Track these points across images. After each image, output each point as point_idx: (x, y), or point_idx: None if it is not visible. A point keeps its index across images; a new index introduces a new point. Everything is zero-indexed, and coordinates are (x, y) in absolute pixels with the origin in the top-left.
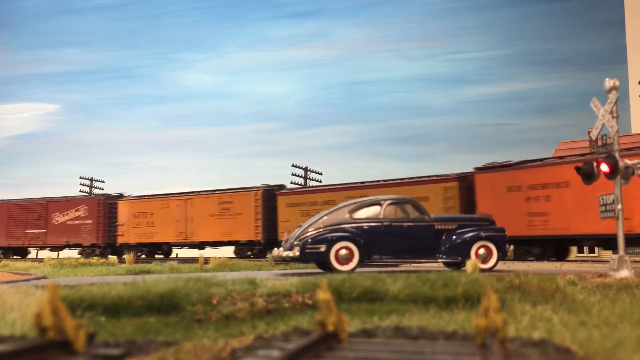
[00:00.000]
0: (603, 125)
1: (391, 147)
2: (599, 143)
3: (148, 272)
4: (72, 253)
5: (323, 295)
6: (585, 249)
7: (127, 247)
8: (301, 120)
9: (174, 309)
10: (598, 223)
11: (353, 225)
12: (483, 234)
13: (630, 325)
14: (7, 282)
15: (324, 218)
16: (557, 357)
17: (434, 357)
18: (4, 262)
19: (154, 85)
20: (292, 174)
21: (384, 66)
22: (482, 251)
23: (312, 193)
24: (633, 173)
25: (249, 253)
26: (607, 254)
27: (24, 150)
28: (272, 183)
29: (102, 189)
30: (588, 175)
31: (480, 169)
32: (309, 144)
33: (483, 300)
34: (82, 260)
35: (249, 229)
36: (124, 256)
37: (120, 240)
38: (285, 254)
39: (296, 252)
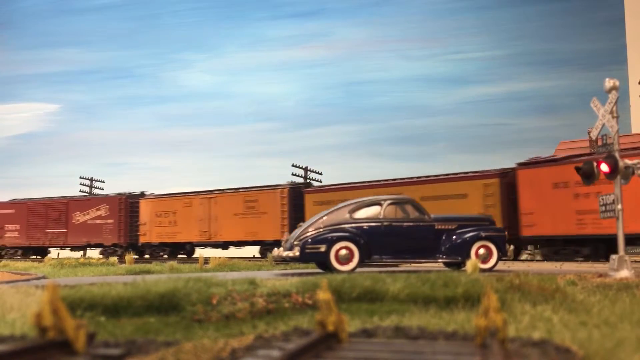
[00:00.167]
0: (603, 125)
1: (391, 147)
2: (599, 143)
3: (148, 272)
4: (94, 253)
5: (323, 295)
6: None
7: (149, 246)
8: (301, 120)
9: (174, 309)
10: None
11: (353, 225)
12: (483, 234)
13: (630, 325)
14: (7, 282)
15: (324, 218)
16: (557, 357)
17: (434, 357)
18: (4, 262)
19: (154, 85)
20: (292, 174)
21: (384, 66)
22: (482, 251)
23: (343, 190)
24: (633, 173)
25: None
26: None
27: (24, 150)
28: (298, 181)
29: (102, 189)
30: (588, 175)
31: (523, 165)
32: (309, 144)
33: (483, 300)
34: (82, 260)
35: (275, 228)
36: (146, 255)
37: (142, 239)
38: (285, 254)
39: (296, 252)
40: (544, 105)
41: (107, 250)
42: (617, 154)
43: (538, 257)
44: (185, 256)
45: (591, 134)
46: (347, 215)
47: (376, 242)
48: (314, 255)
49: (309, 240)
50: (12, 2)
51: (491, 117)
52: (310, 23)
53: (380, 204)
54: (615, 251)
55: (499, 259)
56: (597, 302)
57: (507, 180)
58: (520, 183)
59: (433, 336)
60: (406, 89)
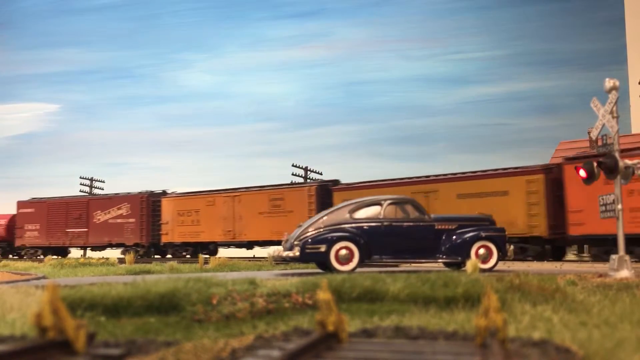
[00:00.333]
0: (603, 125)
1: (391, 147)
2: (599, 143)
3: (148, 272)
4: (115, 253)
5: (323, 295)
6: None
7: (172, 246)
8: (301, 120)
9: (174, 309)
10: None
11: (353, 225)
12: (483, 234)
13: (630, 325)
14: (7, 282)
15: (324, 218)
16: (557, 357)
17: (434, 357)
18: (4, 262)
19: (154, 85)
20: (292, 174)
21: (384, 66)
22: (482, 251)
23: (372, 188)
24: (633, 173)
25: None
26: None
27: (24, 150)
28: (326, 178)
29: (102, 189)
30: (589, 175)
31: (571, 159)
32: (309, 144)
33: (483, 300)
34: (82, 260)
35: None
36: (168, 255)
37: (164, 239)
38: (285, 254)
39: (296, 252)
40: (544, 105)
41: (129, 250)
42: (617, 154)
43: (586, 257)
44: (208, 256)
45: (591, 134)
46: (347, 215)
47: (376, 242)
48: (314, 255)
49: (309, 240)
50: (12, 2)
51: (491, 117)
52: (310, 23)
53: (380, 204)
54: None
55: (499, 259)
56: (597, 302)
57: (553, 176)
58: (567, 179)
59: (433, 336)
60: (406, 89)
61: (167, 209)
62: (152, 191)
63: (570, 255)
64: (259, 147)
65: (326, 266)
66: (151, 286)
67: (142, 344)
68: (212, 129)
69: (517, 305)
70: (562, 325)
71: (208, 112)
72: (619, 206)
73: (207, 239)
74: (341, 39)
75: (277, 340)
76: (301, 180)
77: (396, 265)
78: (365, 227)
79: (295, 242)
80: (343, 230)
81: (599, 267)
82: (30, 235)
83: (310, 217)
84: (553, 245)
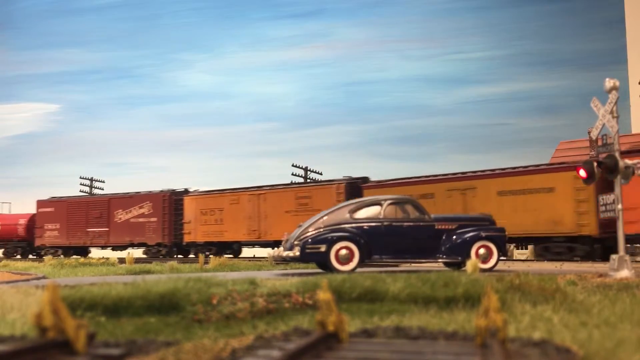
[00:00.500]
0: (603, 125)
1: (391, 147)
2: (599, 143)
3: (148, 272)
4: (137, 253)
5: (323, 295)
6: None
7: (194, 246)
8: (301, 120)
9: (174, 309)
10: None
11: (353, 225)
12: (483, 234)
13: (630, 325)
14: (7, 282)
15: (324, 218)
16: (557, 357)
17: (434, 357)
18: (4, 262)
19: (154, 85)
20: (292, 174)
21: (384, 66)
22: (482, 251)
23: (404, 185)
24: (633, 173)
25: None
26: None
27: (24, 150)
28: (355, 175)
29: (102, 189)
30: (589, 175)
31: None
32: (309, 144)
33: (483, 300)
34: (82, 260)
35: None
36: (191, 255)
37: (187, 238)
38: (285, 254)
39: (296, 252)
40: (544, 105)
41: (151, 250)
42: (617, 154)
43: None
44: (232, 256)
45: (591, 134)
46: (348, 215)
47: (376, 242)
48: (314, 255)
49: (309, 240)
50: (12, 2)
51: (491, 117)
52: (310, 23)
53: (380, 204)
54: None
55: (499, 259)
56: (597, 302)
57: None
58: None
59: (433, 336)
60: (406, 89)
61: (189, 207)
62: (174, 189)
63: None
64: (259, 147)
65: (326, 266)
66: (151, 286)
67: (142, 344)
68: (212, 129)
69: (517, 305)
70: (562, 325)
71: (208, 112)
72: (619, 206)
73: (231, 239)
74: (341, 39)
75: (277, 340)
76: (301, 180)
77: (396, 265)
78: (365, 227)
79: (296, 242)
80: (343, 230)
81: (599, 267)
82: (50, 235)
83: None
84: (603, 245)
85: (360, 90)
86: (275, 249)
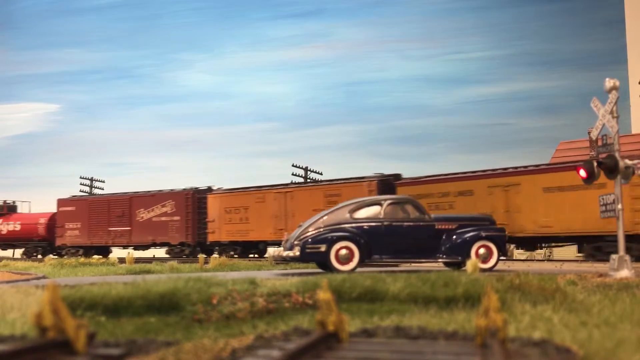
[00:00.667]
0: (603, 125)
1: (391, 147)
2: (599, 143)
3: (148, 272)
4: (159, 252)
5: (323, 295)
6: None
7: (219, 245)
8: (301, 120)
9: (174, 308)
10: None
11: (353, 225)
12: (483, 234)
13: (630, 325)
14: (7, 282)
15: (324, 218)
16: (557, 357)
17: (434, 357)
18: (4, 262)
19: (154, 85)
20: (292, 174)
21: (384, 66)
22: (482, 251)
23: (443, 182)
24: (633, 173)
25: None
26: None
27: (24, 150)
28: (387, 172)
29: (102, 189)
30: (589, 175)
31: None
32: (309, 144)
33: (483, 300)
34: (82, 260)
35: None
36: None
37: (210, 238)
38: (285, 253)
39: (296, 252)
40: (544, 105)
41: (174, 250)
42: (617, 154)
43: None
44: (257, 256)
45: (591, 134)
46: (348, 215)
47: (376, 242)
48: (314, 255)
49: (309, 240)
50: (12, 2)
51: (491, 117)
52: (310, 23)
53: (380, 204)
54: None
55: (499, 258)
56: (597, 302)
57: None
58: None
59: (433, 336)
60: (406, 89)
61: (213, 206)
62: (197, 187)
63: None
64: (259, 147)
65: (326, 266)
66: (151, 286)
67: (142, 344)
68: (212, 129)
69: (517, 305)
70: (562, 325)
71: (208, 112)
72: (619, 206)
73: (256, 238)
74: (341, 39)
75: (277, 340)
76: (301, 180)
77: (396, 265)
78: (365, 227)
79: (296, 242)
80: (343, 230)
81: (599, 267)
82: (71, 234)
83: None
84: None
85: (360, 90)
86: (276, 248)
